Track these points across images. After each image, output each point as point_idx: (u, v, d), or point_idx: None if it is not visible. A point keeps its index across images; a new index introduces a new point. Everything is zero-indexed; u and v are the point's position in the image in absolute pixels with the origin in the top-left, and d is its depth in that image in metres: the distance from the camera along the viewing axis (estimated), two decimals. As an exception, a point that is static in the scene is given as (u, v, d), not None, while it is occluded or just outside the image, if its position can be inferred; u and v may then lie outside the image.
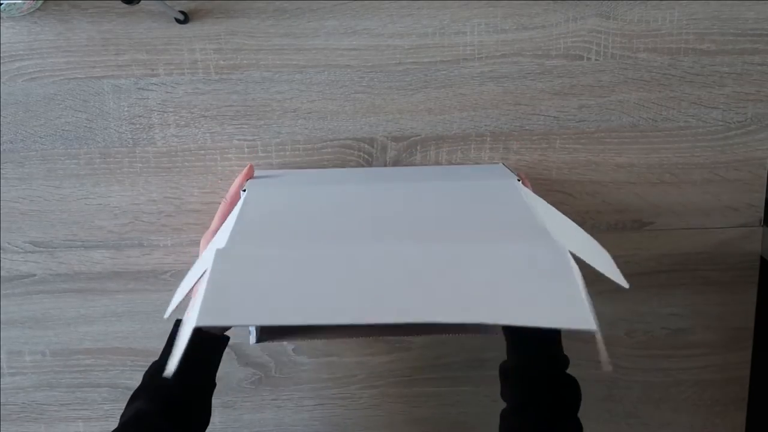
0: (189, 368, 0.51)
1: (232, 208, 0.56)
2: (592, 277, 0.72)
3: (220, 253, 0.43)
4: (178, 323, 0.57)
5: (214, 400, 0.75)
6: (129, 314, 0.73)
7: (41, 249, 0.72)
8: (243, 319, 0.39)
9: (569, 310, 0.38)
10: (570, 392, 0.55)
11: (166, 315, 0.46)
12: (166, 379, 0.41)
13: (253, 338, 0.63)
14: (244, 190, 0.59)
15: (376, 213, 0.53)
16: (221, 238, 0.49)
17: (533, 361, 0.56)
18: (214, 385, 0.59)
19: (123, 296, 0.73)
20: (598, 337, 0.37)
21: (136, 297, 0.73)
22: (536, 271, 0.42)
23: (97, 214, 0.71)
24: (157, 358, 0.58)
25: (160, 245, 0.72)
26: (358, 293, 0.40)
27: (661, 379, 0.75)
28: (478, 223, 0.50)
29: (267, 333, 0.65)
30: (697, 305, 0.72)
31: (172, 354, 0.37)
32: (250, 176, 0.64)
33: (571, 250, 0.43)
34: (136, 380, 0.75)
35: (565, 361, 0.56)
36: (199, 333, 0.51)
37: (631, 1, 0.65)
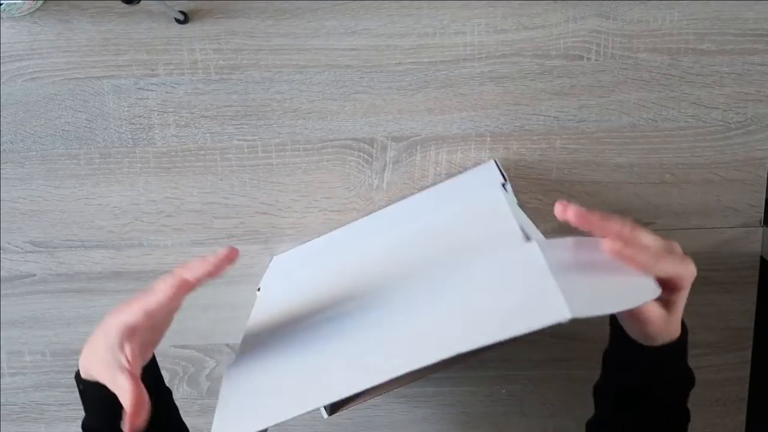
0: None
1: (157, 305, 0.49)
2: (592, 277, 0.72)
3: (229, 372, 0.49)
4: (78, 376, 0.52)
5: (214, 401, 0.75)
6: (129, 314, 0.73)
7: (41, 249, 0.72)
8: (254, 426, 0.42)
9: (545, 306, 0.37)
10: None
11: None
12: None
13: (325, 414, 0.64)
14: (259, 289, 0.64)
15: (367, 279, 0.55)
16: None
17: (656, 384, 0.51)
18: (169, 392, 0.57)
19: (123, 296, 0.73)
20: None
21: (136, 297, 0.73)
22: (510, 278, 0.42)
23: (97, 214, 0.71)
24: (160, 358, 0.56)
25: (160, 245, 0.72)
26: (353, 368, 0.42)
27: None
28: (460, 252, 0.51)
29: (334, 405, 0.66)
30: (697, 305, 0.72)
31: None
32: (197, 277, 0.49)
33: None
34: (136, 380, 0.75)
35: (688, 381, 0.53)
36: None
37: (631, 1, 0.65)
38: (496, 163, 0.67)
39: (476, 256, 0.47)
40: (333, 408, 0.65)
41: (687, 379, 0.52)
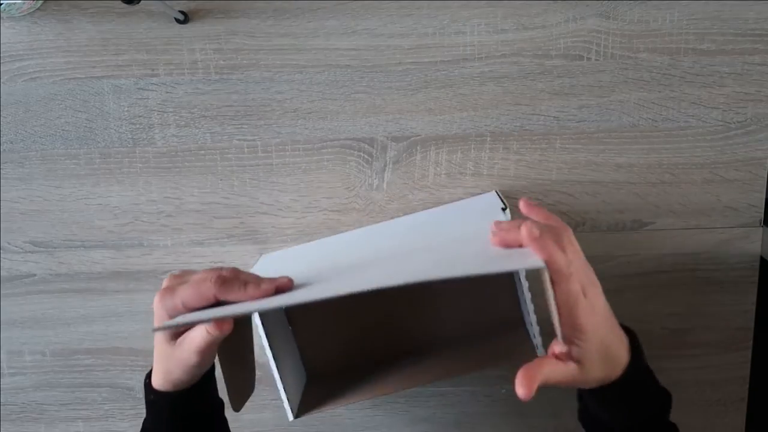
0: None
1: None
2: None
3: None
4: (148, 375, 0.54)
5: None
6: (129, 314, 0.73)
7: (41, 249, 0.72)
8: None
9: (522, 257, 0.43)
10: None
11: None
12: None
13: (290, 415, 0.64)
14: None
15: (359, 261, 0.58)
16: None
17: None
18: (221, 403, 0.58)
19: (123, 296, 0.73)
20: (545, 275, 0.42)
21: (136, 297, 0.73)
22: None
23: (97, 214, 0.71)
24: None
25: (160, 245, 0.72)
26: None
27: (661, 379, 0.75)
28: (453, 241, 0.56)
29: (304, 405, 0.66)
30: (697, 305, 0.72)
31: None
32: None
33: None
34: (136, 380, 0.75)
35: (662, 401, 0.52)
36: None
37: (631, 1, 0.65)
38: (497, 193, 0.67)
39: (468, 231, 0.54)
40: (300, 411, 0.65)
41: (660, 401, 0.51)
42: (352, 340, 0.73)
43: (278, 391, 0.63)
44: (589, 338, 0.45)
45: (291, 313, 0.72)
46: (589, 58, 0.66)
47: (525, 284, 0.60)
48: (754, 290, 0.72)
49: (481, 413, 0.76)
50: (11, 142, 0.69)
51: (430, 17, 0.66)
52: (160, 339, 0.49)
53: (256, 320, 0.61)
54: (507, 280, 0.70)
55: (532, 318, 0.62)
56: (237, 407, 0.53)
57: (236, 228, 0.71)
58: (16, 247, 0.72)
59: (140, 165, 0.70)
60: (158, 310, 0.48)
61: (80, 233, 0.72)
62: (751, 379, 0.74)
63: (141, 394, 0.75)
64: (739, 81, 0.66)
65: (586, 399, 0.51)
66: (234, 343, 0.53)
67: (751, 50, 0.66)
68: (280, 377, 0.62)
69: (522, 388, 0.42)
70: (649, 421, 0.50)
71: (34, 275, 0.73)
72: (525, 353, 0.64)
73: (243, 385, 0.55)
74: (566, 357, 0.46)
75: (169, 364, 0.50)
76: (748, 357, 0.74)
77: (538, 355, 0.63)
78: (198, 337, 0.47)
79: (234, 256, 0.72)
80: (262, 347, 0.62)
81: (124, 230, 0.71)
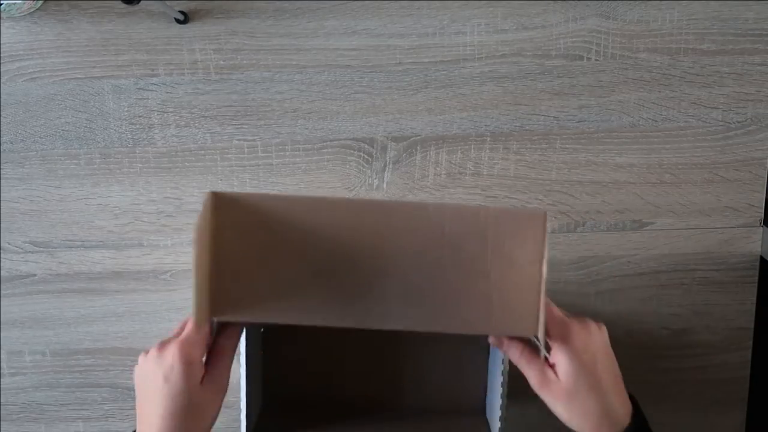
0: None
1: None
2: (593, 276, 0.72)
3: None
4: None
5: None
6: (129, 314, 0.73)
7: (41, 249, 0.72)
8: None
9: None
10: None
11: None
12: None
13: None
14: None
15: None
16: None
17: None
18: None
19: (123, 296, 0.73)
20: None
21: (136, 297, 0.73)
22: None
23: (97, 214, 0.71)
24: None
25: (160, 245, 0.72)
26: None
27: (661, 379, 0.75)
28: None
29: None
30: (697, 305, 0.72)
31: None
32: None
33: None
34: (136, 380, 0.75)
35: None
36: None
37: (631, 1, 0.65)
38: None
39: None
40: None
41: None
42: (317, 376, 0.71)
43: (240, 412, 0.61)
44: (574, 353, 0.46)
45: (267, 337, 0.70)
46: (589, 58, 0.66)
47: (502, 367, 0.60)
48: (754, 290, 0.72)
49: (481, 413, 0.76)
50: (11, 142, 0.69)
51: (430, 17, 0.66)
52: (185, 388, 0.46)
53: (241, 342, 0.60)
54: (481, 362, 0.70)
55: (498, 403, 0.62)
56: None
57: (236, 228, 0.71)
58: (16, 247, 0.72)
59: (140, 165, 0.70)
60: (182, 366, 0.46)
61: (80, 233, 0.72)
62: (751, 379, 0.74)
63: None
64: (739, 81, 0.66)
65: None
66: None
67: (751, 50, 0.66)
68: (246, 400, 0.62)
69: (492, 339, 0.49)
70: None
71: (34, 275, 0.73)
72: None
73: None
74: (545, 361, 0.47)
75: (192, 415, 0.47)
76: (748, 357, 0.74)
77: None
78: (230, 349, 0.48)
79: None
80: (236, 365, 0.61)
81: (124, 230, 0.71)
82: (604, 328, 0.49)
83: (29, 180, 0.70)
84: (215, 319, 0.49)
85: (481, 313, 0.48)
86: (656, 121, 0.68)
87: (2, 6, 0.62)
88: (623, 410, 0.48)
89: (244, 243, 0.48)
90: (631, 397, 0.50)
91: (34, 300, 0.73)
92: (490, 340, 0.50)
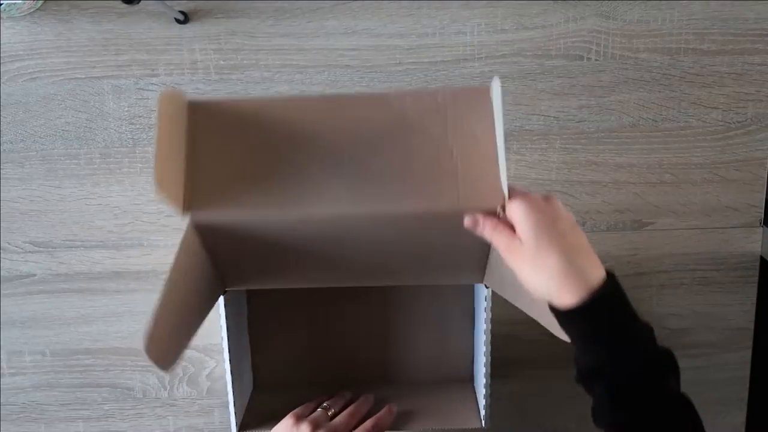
0: None
1: None
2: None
3: None
4: None
5: (215, 401, 0.76)
6: (129, 314, 0.73)
7: (41, 249, 0.72)
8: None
9: None
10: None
11: None
12: None
13: (234, 427, 0.64)
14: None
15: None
16: None
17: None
18: None
19: (123, 296, 0.73)
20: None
21: (136, 297, 0.73)
22: None
23: (97, 214, 0.71)
24: None
25: (160, 245, 0.72)
26: None
27: (661, 379, 0.75)
28: None
29: (248, 418, 0.67)
30: (697, 305, 0.72)
31: None
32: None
33: None
34: (136, 380, 0.75)
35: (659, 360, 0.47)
36: None
37: (631, 1, 0.65)
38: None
39: None
40: (243, 425, 0.66)
41: (644, 334, 0.47)
42: (304, 357, 0.72)
43: (227, 395, 0.63)
44: (533, 212, 0.46)
45: (251, 318, 0.71)
46: (589, 58, 0.66)
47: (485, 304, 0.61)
48: (754, 290, 0.72)
49: (481, 413, 0.76)
50: (11, 142, 0.69)
51: (430, 17, 0.66)
52: None
53: (222, 321, 0.61)
54: (467, 334, 0.71)
55: (483, 372, 0.64)
56: (160, 360, 0.47)
57: (236, 228, 0.71)
58: (16, 247, 0.72)
59: (140, 165, 0.70)
60: None
61: (80, 233, 0.72)
62: (751, 379, 0.74)
63: (141, 394, 0.75)
64: (739, 81, 0.66)
65: (573, 342, 0.49)
66: (197, 301, 0.53)
67: (751, 50, 0.66)
68: (232, 383, 0.62)
69: (468, 221, 0.49)
70: (637, 358, 0.47)
71: (34, 275, 0.73)
72: (468, 418, 0.65)
73: (169, 344, 0.50)
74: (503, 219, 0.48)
75: None
76: (748, 357, 0.74)
77: (481, 417, 0.65)
78: None
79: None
80: (220, 349, 0.62)
81: (124, 230, 0.71)
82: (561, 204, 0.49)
83: (29, 180, 0.70)
84: (191, 215, 0.51)
85: (448, 189, 0.49)
86: (656, 121, 0.68)
87: (2, 6, 0.62)
88: (593, 273, 0.46)
89: (218, 145, 0.51)
90: (609, 272, 0.48)
91: (34, 300, 0.73)
92: (466, 222, 0.49)
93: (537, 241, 0.45)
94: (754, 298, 0.72)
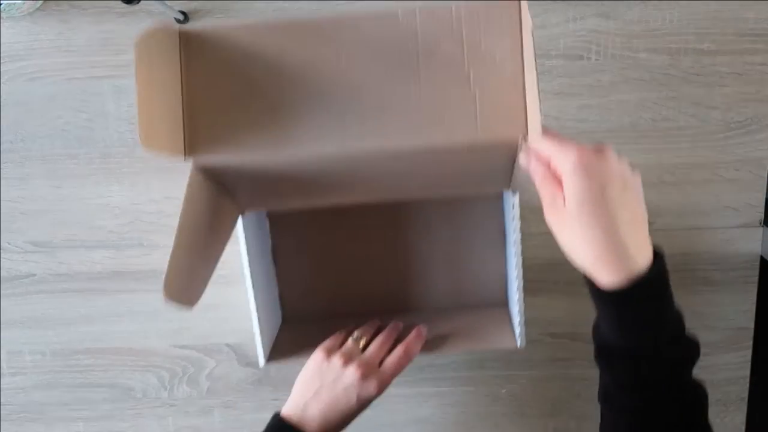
0: None
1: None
2: (592, 277, 0.71)
3: None
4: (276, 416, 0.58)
5: (215, 401, 0.75)
6: (129, 314, 0.73)
7: (41, 249, 0.72)
8: None
9: None
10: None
11: None
12: None
13: (262, 360, 0.65)
14: None
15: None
16: None
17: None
18: None
19: (123, 296, 0.73)
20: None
21: (136, 297, 0.73)
22: None
23: (97, 214, 0.71)
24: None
25: (160, 245, 0.72)
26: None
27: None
28: None
29: (276, 350, 0.67)
30: (697, 305, 0.72)
31: None
32: None
33: None
34: (136, 380, 0.75)
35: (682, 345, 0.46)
36: None
37: (631, 1, 0.65)
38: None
39: None
40: (272, 356, 0.66)
41: (675, 324, 0.45)
42: (333, 287, 0.71)
43: (253, 327, 0.62)
44: (578, 174, 0.41)
45: (276, 245, 0.70)
46: (589, 58, 0.66)
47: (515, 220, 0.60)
48: (754, 290, 0.72)
49: (481, 413, 0.76)
50: (11, 142, 0.69)
51: (430, 17, 0.65)
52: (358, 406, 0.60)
53: (242, 247, 0.61)
54: (500, 261, 0.70)
55: (516, 297, 0.62)
56: (185, 299, 0.48)
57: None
58: (16, 247, 0.72)
59: (140, 165, 0.70)
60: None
61: (80, 233, 0.72)
62: (751, 379, 0.74)
63: (141, 394, 0.75)
64: (739, 81, 0.66)
65: (600, 318, 0.46)
66: (212, 235, 0.52)
67: (751, 50, 0.66)
68: (258, 316, 0.62)
69: (523, 159, 0.46)
70: (665, 357, 0.45)
71: (34, 275, 0.73)
72: (504, 339, 0.64)
73: (190, 282, 0.50)
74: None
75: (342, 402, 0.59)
76: (748, 357, 0.74)
77: (516, 336, 0.64)
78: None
79: (233, 256, 0.72)
80: (243, 284, 0.63)
81: (124, 230, 0.71)
82: (627, 160, 0.43)
83: (29, 180, 0.70)
84: (194, 159, 0.48)
85: (466, 119, 0.45)
86: (656, 121, 0.68)
87: (2, 6, 0.62)
88: (639, 254, 0.42)
89: (216, 80, 0.47)
90: (657, 251, 0.45)
91: (34, 300, 0.73)
92: (521, 161, 0.45)
93: (579, 209, 0.41)
94: (754, 298, 0.72)
